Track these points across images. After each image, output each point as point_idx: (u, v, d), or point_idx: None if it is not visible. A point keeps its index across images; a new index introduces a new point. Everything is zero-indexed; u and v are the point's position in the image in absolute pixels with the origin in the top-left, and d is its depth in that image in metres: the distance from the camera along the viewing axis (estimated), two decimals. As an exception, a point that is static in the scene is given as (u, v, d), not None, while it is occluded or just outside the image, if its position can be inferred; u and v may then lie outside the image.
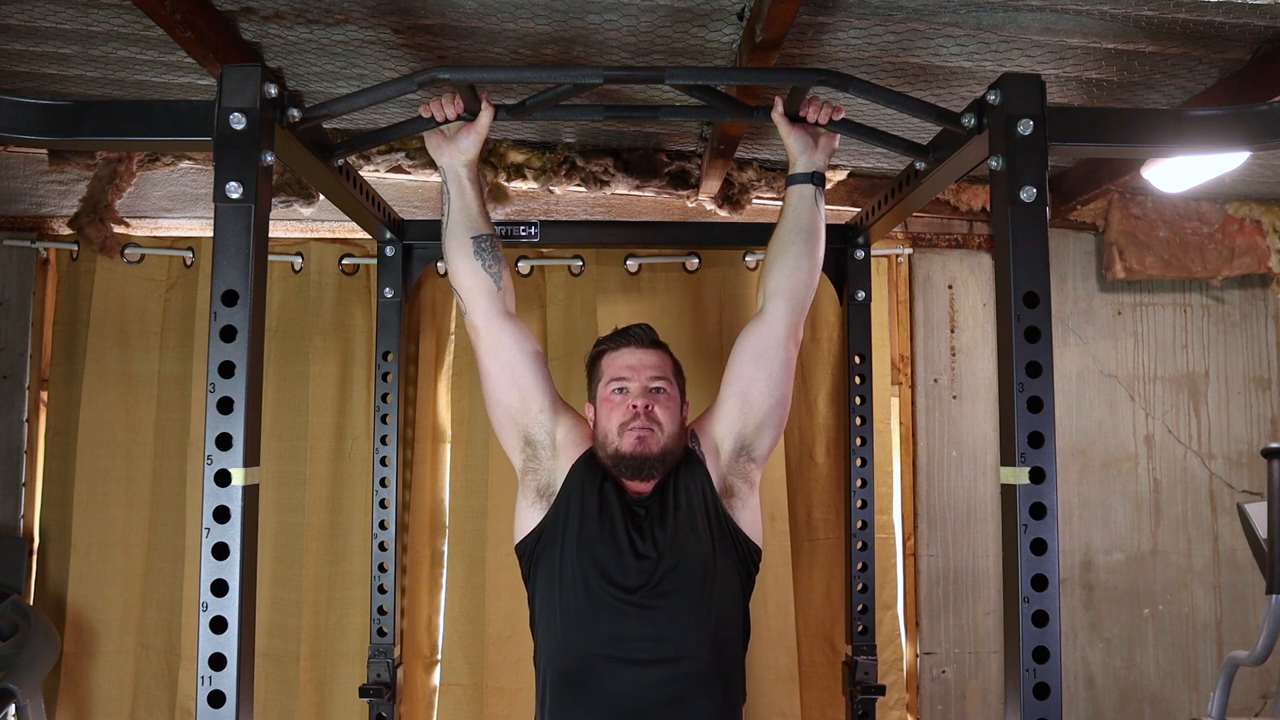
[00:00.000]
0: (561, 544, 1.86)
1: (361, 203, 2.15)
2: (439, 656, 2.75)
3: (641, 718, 1.77)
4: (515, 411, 1.92)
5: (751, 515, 1.93)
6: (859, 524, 2.57)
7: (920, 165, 1.93)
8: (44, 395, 2.76)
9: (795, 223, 1.86)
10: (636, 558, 1.83)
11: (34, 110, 1.51)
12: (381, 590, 2.47)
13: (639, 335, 1.95)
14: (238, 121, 1.45)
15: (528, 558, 1.92)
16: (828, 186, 2.55)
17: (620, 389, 1.88)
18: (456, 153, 1.84)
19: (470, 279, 1.84)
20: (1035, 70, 2.02)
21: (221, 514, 1.38)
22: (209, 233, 2.60)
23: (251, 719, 1.39)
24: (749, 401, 1.91)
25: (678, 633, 1.79)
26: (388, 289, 2.48)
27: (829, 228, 1.99)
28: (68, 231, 2.73)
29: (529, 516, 1.92)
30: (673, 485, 1.90)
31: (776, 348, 1.90)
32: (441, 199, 1.88)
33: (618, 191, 2.81)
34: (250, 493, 1.40)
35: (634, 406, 1.85)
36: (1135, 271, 2.92)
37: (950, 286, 2.96)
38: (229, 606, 1.36)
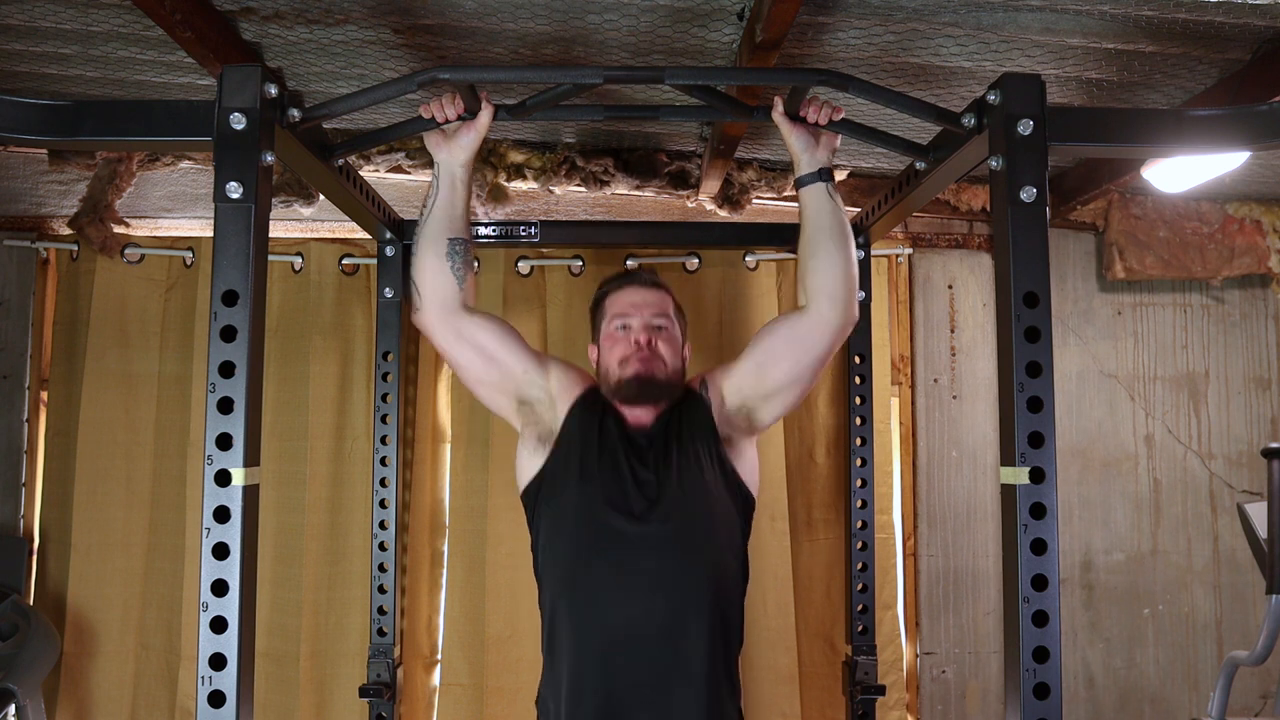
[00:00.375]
0: (564, 480, 1.88)
1: (361, 203, 2.15)
2: (439, 656, 2.75)
3: (639, 645, 1.76)
4: (500, 383, 1.93)
5: (749, 465, 1.96)
6: (859, 524, 2.57)
7: (920, 165, 1.93)
8: (44, 395, 2.76)
9: (816, 223, 1.85)
10: (637, 485, 1.85)
11: (34, 110, 1.51)
12: (381, 590, 2.46)
13: (641, 276, 2.02)
14: (238, 121, 1.45)
15: (531, 502, 1.93)
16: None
17: (623, 325, 1.94)
18: (455, 150, 1.83)
19: (436, 278, 1.83)
20: (1035, 70, 2.02)
21: (221, 514, 1.38)
22: (209, 233, 2.60)
23: (251, 719, 1.39)
24: (765, 372, 1.92)
25: (677, 562, 1.80)
26: (388, 289, 2.48)
27: None
28: (68, 231, 2.73)
29: (531, 464, 1.93)
30: (675, 422, 1.94)
31: (816, 340, 1.89)
32: (428, 192, 1.86)
33: (618, 191, 2.81)
34: (250, 493, 1.40)
35: (636, 341, 1.91)
36: (1135, 271, 2.92)
37: (950, 286, 2.96)
38: (229, 606, 1.36)
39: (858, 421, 2.60)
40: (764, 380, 1.93)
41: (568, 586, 1.84)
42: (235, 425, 1.39)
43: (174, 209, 2.82)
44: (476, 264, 1.91)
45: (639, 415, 1.94)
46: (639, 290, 1.98)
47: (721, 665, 1.82)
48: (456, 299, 1.86)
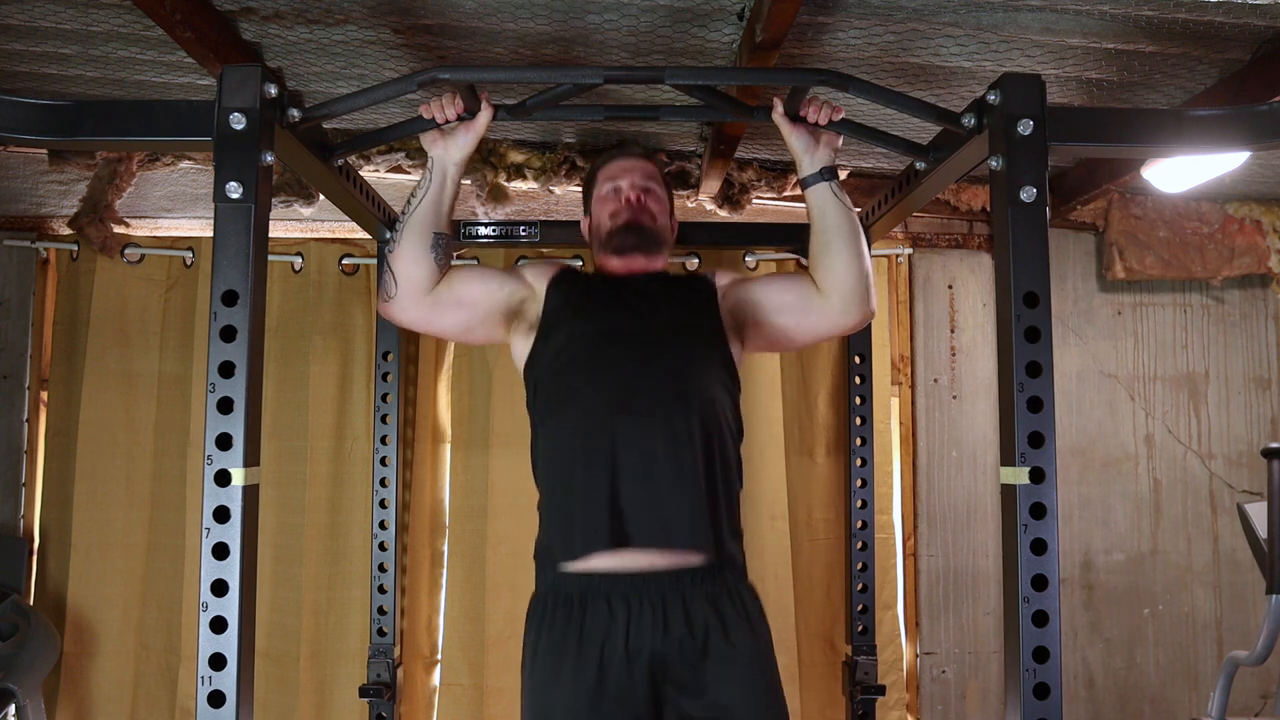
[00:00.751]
0: (558, 326, 1.89)
1: (361, 203, 2.15)
2: (439, 656, 2.75)
3: (640, 459, 1.75)
4: (487, 316, 1.92)
5: (736, 354, 1.96)
6: (859, 524, 2.57)
7: (920, 165, 1.93)
8: (44, 395, 2.76)
9: (823, 223, 1.84)
10: (627, 314, 1.89)
11: (34, 110, 1.51)
12: (381, 590, 2.47)
13: (631, 149, 2.10)
14: (238, 121, 1.45)
15: (532, 369, 1.92)
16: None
17: (614, 188, 2.00)
18: (451, 148, 1.83)
19: (417, 268, 1.82)
20: (1035, 70, 2.02)
21: (221, 514, 1.38)
22: (209, 233, 2.60)
23: (251, 719, 1.39)
24: (763, 316, 1.94)
25: (675, 385, 1.80)
26: (388, 289, 2.47)
27: None
28: (68, 231, 2.73)
29: (524, 345, 1.94)
30: (673, 285, 2.00)
31: (820, 329, 1.94)
32: (416, 186, 1.84)
33: (618, 191, 2.81)
34: (250, 493, 1.40)
35: (626, 198, 1.98)
36: (1135, 271, 2.92)
37: (950, 286, 2.96)
38: (229, 606, 1.36)
39: (858, 421, 2.60)
40: (759, 321, 1.94)
41: (568, 406, 1.82)
42: (235, 425, 1.39)
43: (174, 209, 2.82)
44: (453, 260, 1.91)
45: (632, 264, 1.97)
46: (629, 159, 2.05)
47: (722, 494, 1.81)
48: (431, 285, 1.86)
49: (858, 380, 2.60)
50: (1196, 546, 2.96)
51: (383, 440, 2.50)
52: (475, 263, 1.95)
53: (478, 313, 1.90)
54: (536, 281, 1.96)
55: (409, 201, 1.82)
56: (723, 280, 2.02)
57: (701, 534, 1.74)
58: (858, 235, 1.85)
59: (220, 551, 1.37)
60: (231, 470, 1.38)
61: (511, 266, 2.03)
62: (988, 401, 2.92)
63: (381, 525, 2.49)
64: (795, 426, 2.78)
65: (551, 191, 2.82)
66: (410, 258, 1.82)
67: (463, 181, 1.98)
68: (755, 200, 2.85)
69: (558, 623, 1.75)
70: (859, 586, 2.55)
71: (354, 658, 2.63)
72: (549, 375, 1.87)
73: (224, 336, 1.40)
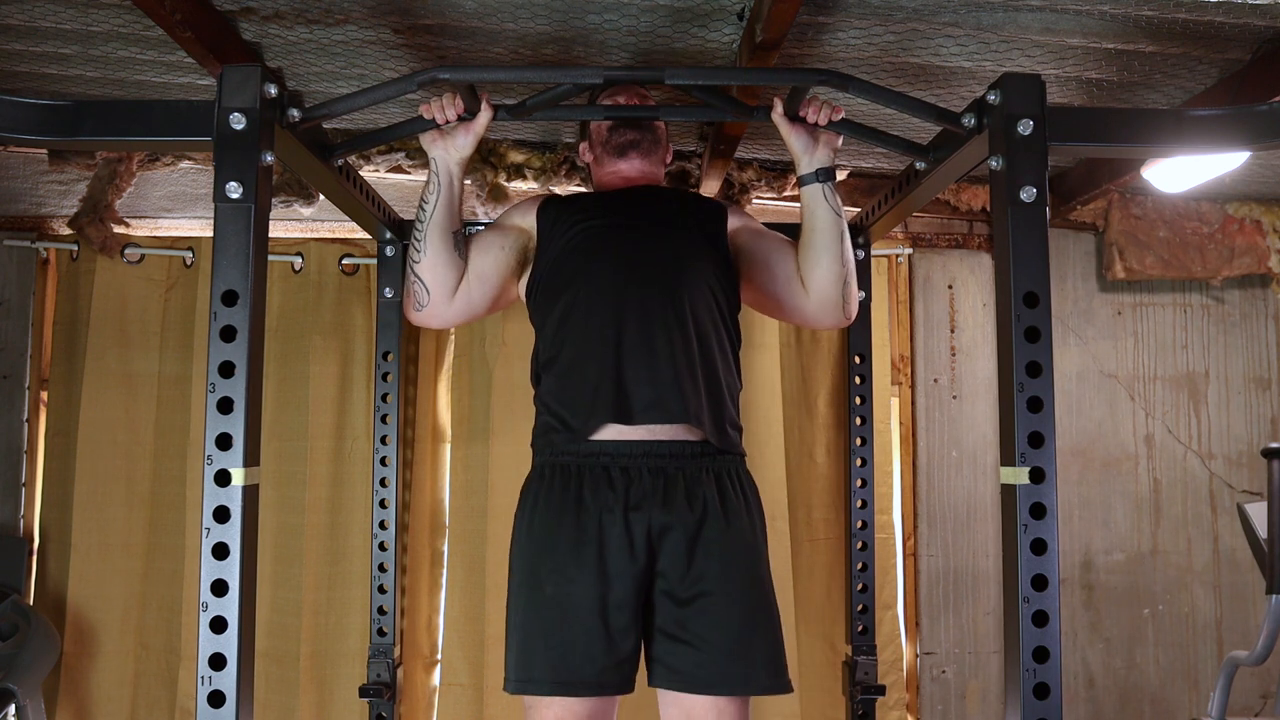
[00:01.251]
0: (555, 241, 1.89)
1: (361, 203, 2.15)
2: (439, 656, 2.75)
3: (643, 323, 1.76)
4: (504, 285, 1.91)
5: (735, 277, 1.96)
6: (859, 524, 2.57)
7: (920, 165, 1.93)
8: (44, 395, 2.76)
9: (809, 224, 1.86)
10: (630, 211, 1.91)
11: (34, 110, 1.51)
12: (381, 590, 2.47)
13: (629, 80, 2.10)
14: (238, 121, 1.45)
15: (533, 283, 1.91)
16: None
17: (612, 105, 1.99)
18: (452, 149, 1.82)
19: (449, 271, 1.83)
20: (1035, 70, 2.02)
21: (221, 514, 1.38)
22: (209, 233, 2.60)
23: (251, 719, 1.39)
24: (755, 273, 1.94)
25: (672, 275, 1.81)
26: (388, 289, 2.47)
27: None
28: (68, 231, 2.74)
29: (525, 272, 1.94)
30: (679, 193, 2.01)
31: (797, 318, 1.96)
32: (425, 192, 1.83)
33: (618, 191, 2.81)
34: (250, 493, 1.40)
35: (624, 104, 1.96)
36: (1135, 271, 2.92)
37: (950, 286, 2.96)
38: (229, 606, 1.36)
39: (858, 421, 2.60)
40: (750, 278, 1.95)
41: (570, 288, 1.82)
42: (235, 425, 1.39)
43: (174, 209, 2.82)
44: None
45: (632, 167, 1.97)
46: (626, 86, 2.03)
47: (724, 380, 1.81)
48: (459, 283, 1.86)
49: (858, 380, 2.60)
50: (1196, 546, 2.96)
51: (383, 440, 2.50)
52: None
53: (498, 281, 1.90)
54: (524, 219, 1.97)
55: (421, 209, 1.82)
56: (735, 218, 2.01)
57: (702, 411, 1.75)
58: (842, 241, 1.86)
59: (220, 551, 1.37)
60: (231, 470, 1.38)
61: (501, 225, 2.00)
62: (988, 401, 2.92)
63: (381, 525, 2.49)
64: (795, 426, 2.78)
65: (551, 191, 2.81)
66: (440, 262, 1.82)
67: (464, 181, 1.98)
68: (755, 200, 2.85)
69: (555, 491, 1.74)
70: (859, 586, 2.54)
71: (354, 658, 2.63)
72: (551, 268, 1.88)
73: (224, 336, 1.40)
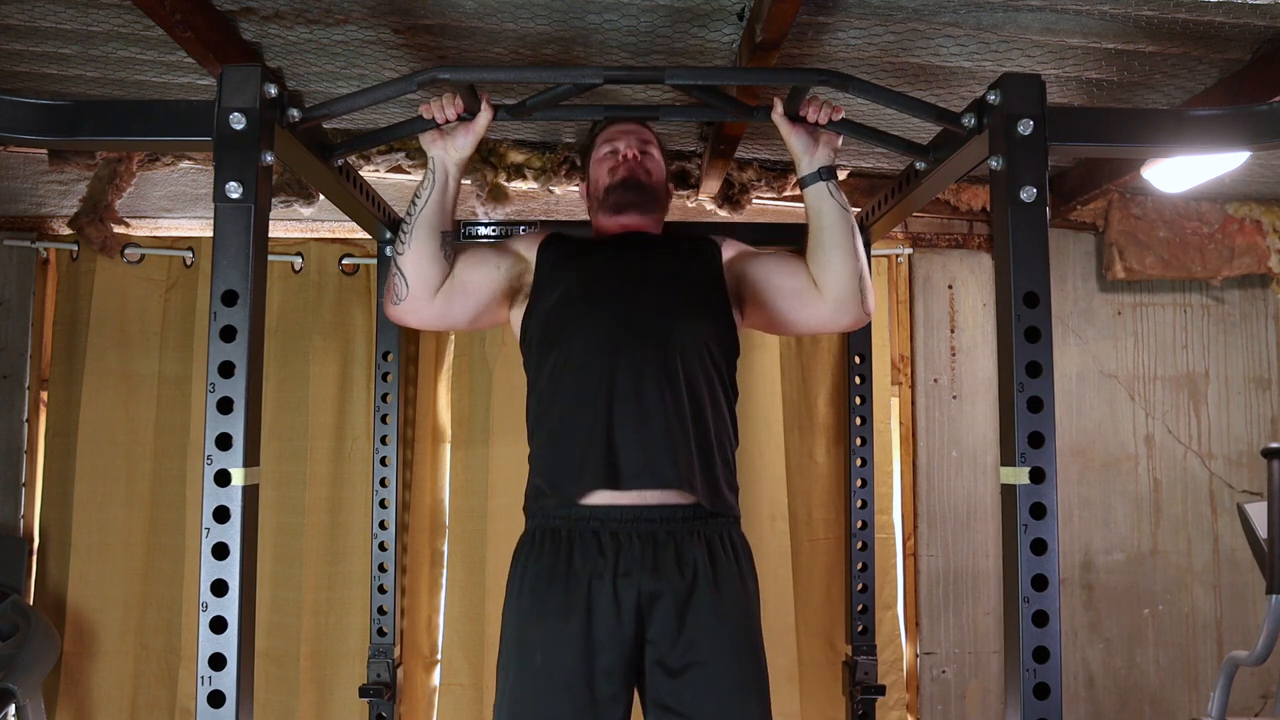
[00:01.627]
0: (552, 287, 1.88)
1: (361, 203, 2.15)
2: (439, 656, 2.76)
3: (636, 392, 1.74)
4: (488, 303, 1.91)
5: (736, 319, 1.95)
6: (859, 524, 2.57)
7: (920, 165, 1.93)
8: (44, 395, 2.76)
9: (818, 223, 1.84)
10: (625, 262, 1.91)
11: (34, 110, 1.51)
12: (381, 590, 2.47)
13: (629, 117, 2.11)
14: (238, 121, 1.45)
15: (526, 329, 1.91)
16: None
17: (611, 150, 2.02)
18: (451, 149, 1.82)
19: (430, 268, 1.82)
20: (1035, 70, 2.02)
21: (221, 514, 1.38)
22: (209, 233, 2.60)
23: (251, 719, 1.39)
24: (761, 296, 1.93)
25: (666, 332, 1.79)
26: (388, 289, 2.47)
27: None
28: (68, 231, 2.73)
29: (521, 310, 1.93)
30: (677, 243, 2.01)
31: (810, 325, 1.94)
32: (420, 187, 1.83)
33: (618, 191, 2.81)
34: (250, 493, 1.40)
35: (624, 155, 1.99)
36: (1135, 271, 2.92)
37: (950, 286, 2.96)
38: (229, 606, 1.36)
39: (858, 421, 2.60)
40: (759, 300, 1.93)
41: (562, 346, 1.81)
42: (235, 425, 1.39)
43: (174, 209, 2.82)
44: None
45: (628, 222, 1.98)
46: (626, 124, 2.06)
47: (715, 441, 1.79)
48: (441, 283, 1.85)
49: (858, 380, 2.60)
50: (1196, 546, 2.96)
51: (383, 440, 2.50)
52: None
53: (483, 298, 1.89)
54: (527, 250, 1.97)
55: (413, 203, 1.82)
56: (729, 249, 2.01)
57: (694, 474, 1.74)
58: (853, 236, 1.84)
59: (220, 551, 1.37)
60: (231, 470, 1.38)
61: (499, 245, 2.01)
62: (988, 401, 2.92)
63: (381, 525, 2.49)
64: (795, 426, 2.78)
65: (551, 191, 2.82)
66: (422, 257, 1.81)
67: (463, 181, 1.98)
68: (755, 200, 2.85)
69: (545, 557, 1.73)
70: (859, 586, 2.55)
71: (354, 658, 2.63)
72: (544, 321, 1.87)
73: (224, 336, 1.40)
